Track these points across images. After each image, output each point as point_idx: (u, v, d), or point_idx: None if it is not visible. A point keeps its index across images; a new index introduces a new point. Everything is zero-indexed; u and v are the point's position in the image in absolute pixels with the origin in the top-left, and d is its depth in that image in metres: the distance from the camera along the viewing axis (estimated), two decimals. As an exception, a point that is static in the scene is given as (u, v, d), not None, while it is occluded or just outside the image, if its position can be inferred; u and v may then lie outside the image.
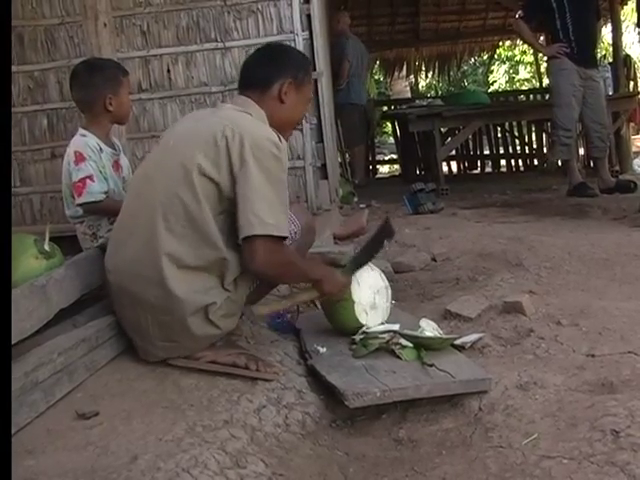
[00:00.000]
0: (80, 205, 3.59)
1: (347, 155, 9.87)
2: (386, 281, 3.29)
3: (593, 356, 2.81)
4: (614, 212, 5.97)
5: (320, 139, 5.80)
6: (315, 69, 5.68)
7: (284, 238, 2.69)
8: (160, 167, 2.79)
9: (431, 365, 2.72)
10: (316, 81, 5.69)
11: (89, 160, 3.57)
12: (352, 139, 9.53)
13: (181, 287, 2.64)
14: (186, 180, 2.65)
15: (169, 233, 2.64)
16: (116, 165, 3.77)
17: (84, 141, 3.63)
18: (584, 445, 2.12)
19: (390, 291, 3.29)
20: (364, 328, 3.08)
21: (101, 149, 3.65)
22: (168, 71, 5.74)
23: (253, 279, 2.83)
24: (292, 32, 5.59)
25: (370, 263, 3.24)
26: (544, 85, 12.86)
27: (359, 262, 3.18)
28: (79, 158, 3.57)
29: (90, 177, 3.55)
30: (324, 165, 5.88)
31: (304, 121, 5.60)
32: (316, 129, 5.76)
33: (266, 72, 2.94)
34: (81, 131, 3.69)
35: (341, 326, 3.16)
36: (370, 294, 3.16)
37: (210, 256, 2.66)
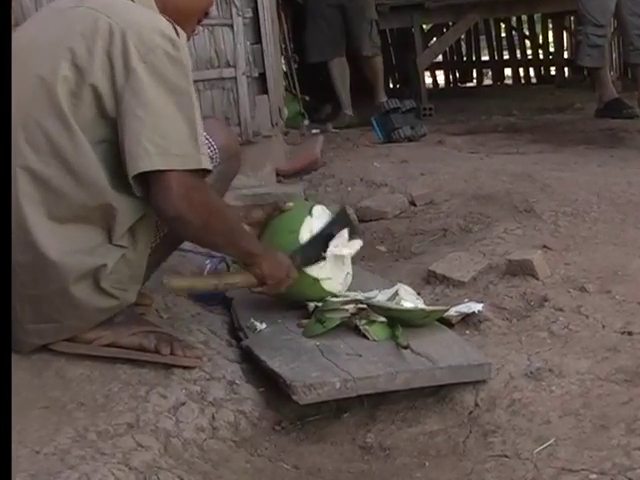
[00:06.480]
0: None
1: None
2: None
3: (630, 334, 2.85)
4: (659, 139, 6.03)
5: (258, 39, 5.73)
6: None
7: (202, 172, 2.61)
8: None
9: (406, 347, 2.72)
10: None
11: None
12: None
13: (55, 247, 2.57)
14: (49, 101, 2.55)
15: (29, 174, 2.56)
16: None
17: None
18: (619, 454, 2.14)
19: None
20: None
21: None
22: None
23: (156, 230, 2.78)
24: None
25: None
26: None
27: (309, 257, 3.08)
28: None
29: None
30: (263, 75, 5.83)
31: (235, 13, 5.54)
32: (251, 25, 5.67)
33: None
34: None
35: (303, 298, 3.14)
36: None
37: (89, 202, 2.58)
